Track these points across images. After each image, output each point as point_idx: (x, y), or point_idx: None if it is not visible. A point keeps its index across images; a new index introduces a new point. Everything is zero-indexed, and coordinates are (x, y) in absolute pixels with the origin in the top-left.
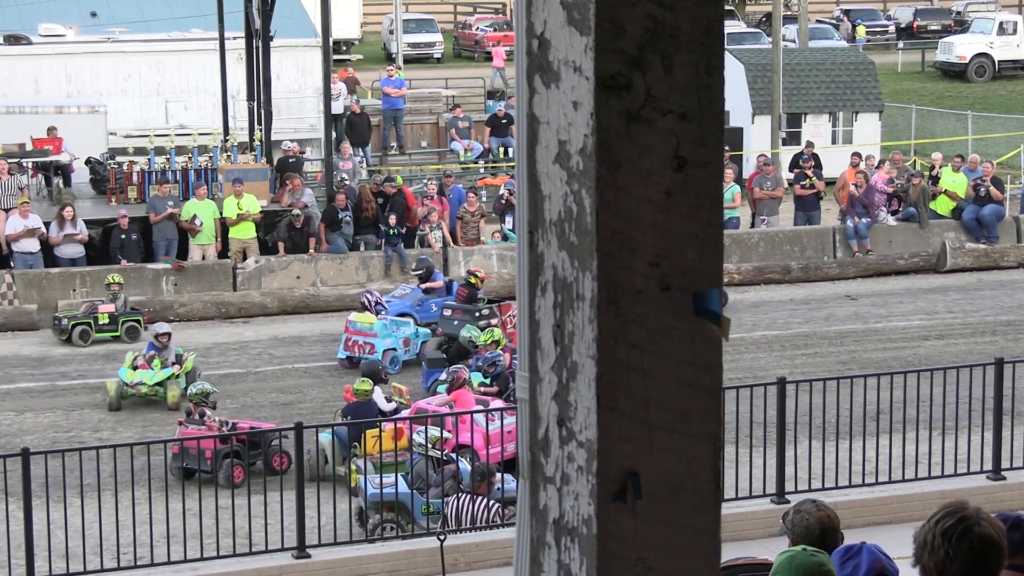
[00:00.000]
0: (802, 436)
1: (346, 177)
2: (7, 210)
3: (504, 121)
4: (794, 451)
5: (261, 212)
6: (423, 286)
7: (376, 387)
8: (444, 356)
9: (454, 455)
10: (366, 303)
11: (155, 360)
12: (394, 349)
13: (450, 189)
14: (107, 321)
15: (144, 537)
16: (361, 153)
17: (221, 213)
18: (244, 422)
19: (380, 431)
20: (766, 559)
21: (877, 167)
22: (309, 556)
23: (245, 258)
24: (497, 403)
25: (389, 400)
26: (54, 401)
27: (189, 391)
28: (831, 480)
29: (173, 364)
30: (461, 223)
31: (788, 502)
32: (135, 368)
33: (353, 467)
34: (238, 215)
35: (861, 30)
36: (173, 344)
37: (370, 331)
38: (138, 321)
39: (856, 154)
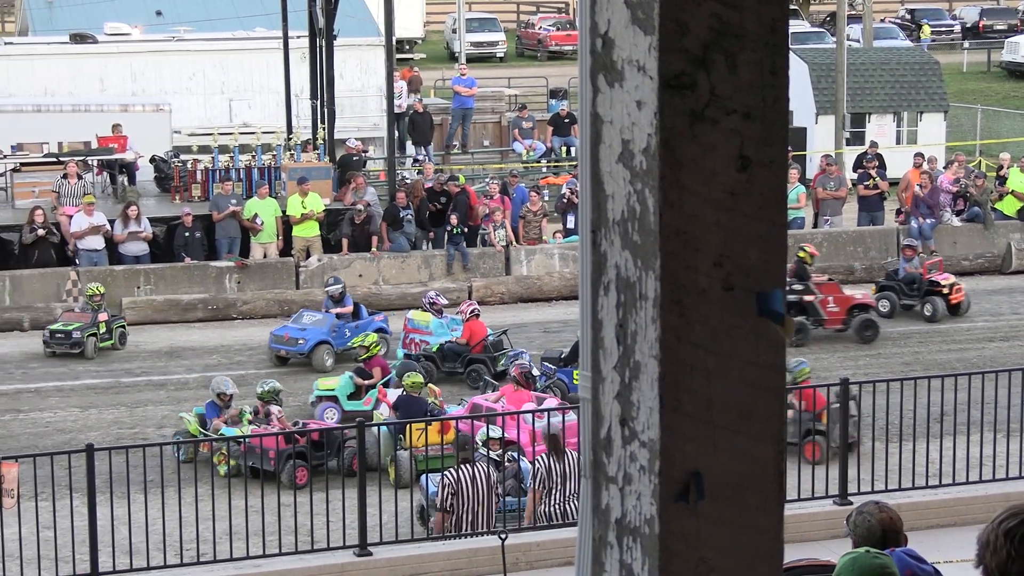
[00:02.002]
0: (865, 437)
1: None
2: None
3: (567, 120)
4: (857, 452)
5: (325, 211)
6: (335, 310)
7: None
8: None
9: (515, 454)
10: (429, 304)
11: (242, 416)
12: None
13: (514, 188)
14: (104, 330)
15: (207, 534)
16: (424, 152)
17: (284, 211)
18: (315, 422)
19: (426, 425)
20: (829, 560)
21: (945, 167)
22: (371, 554)
23: (308, 256)
24: (552, 401)
25: None
26: (118, 398)
27: (259, 389)
28: (894, 482)
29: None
30: (523, 222)
31: (851, 503)
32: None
33: (391, 459)
34: (302, 214)
35: (926, 30)
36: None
37: (426, 329)
38: (123, 327)
39: (919, 154)
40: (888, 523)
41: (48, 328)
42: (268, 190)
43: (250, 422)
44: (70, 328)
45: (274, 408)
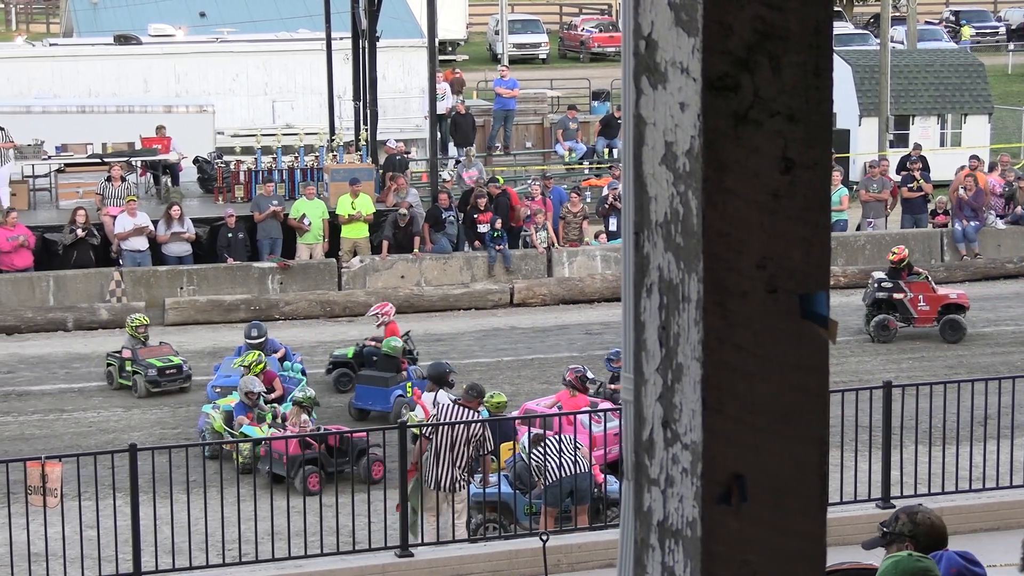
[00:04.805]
0: (908, 440)
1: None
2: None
3: (619, 121)
4: (900, 455)
5: (373, 213)
6: (273, 355)
7: (441, 390)
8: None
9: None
10: None
11: (265, 416)
12: None
13: (550, 190)
14: None
15: (249, 534)
16: (465, 154)
17: (334, 212)
18: (338, 428)
19: (515, 443)
20: (871, 564)
21: (989, 170)
22: (412, 555)
23: (355, 255)
24: (605, 405)
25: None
26: (161, 398)
27: (295, 395)
28: (937, 485)
29: (276, 417)
30: (564, 223)
31: (893, 507)
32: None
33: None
34: (349, 215)
35: (966, 31)
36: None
37: None
38: None
39: (975, 157)
40: (929, 527)
41: (153, 367)
42: (315, 191)
43: (270, 426)
44: (177, 362)
45: (303, 416)
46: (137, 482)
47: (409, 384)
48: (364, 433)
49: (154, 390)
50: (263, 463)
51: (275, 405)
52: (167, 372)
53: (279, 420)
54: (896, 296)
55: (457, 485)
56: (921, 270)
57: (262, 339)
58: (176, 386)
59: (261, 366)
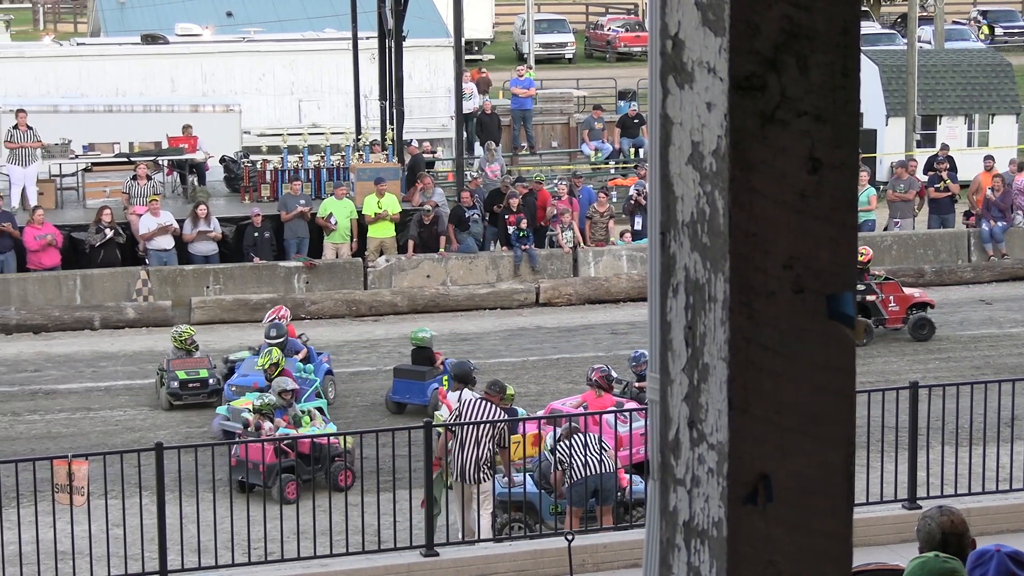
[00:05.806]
0: (935, 441)
1: (483, 175)
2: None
3: (636, 121)
4: (926, 456)
5: (400, 212)
6: (295, 357)
7: (466, 389)
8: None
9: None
10: None
11: (301, 419)
12: None
13: (579, 190)
14: None
15: (275, 532)
16: (487, 148)
17: (360, 212)
18: (296, 435)
19: (522, 438)
20: (898, 565)
21: (1020, 170)
22: (437, 554)
23: (382, 254)
24: (631, 405)
25: None
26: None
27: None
28: (964, 486)
29: (311, 421)
30: (590, 223)
31: (920, 507)
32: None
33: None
34: (375, 214)
35: (985, 30)
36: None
37: None
38: None
39: (989, 157)
40: (947, 527)
41: (176, 379)
42: (346, 190)
43: (239, 435)
44: (203, 376)
45: (267, 424)
46: (163, 481)
47: (445, 378)
48: (334, 439)
49: (175, 403)
50: (237, 472)
51: (312, 408)
52: (189, 385)
53: (251, 429)
54: (869, 298)
55: (481, 475)
56: (879, 271)
57: (281, 339)
58: (199, 400)
59: (284, 362)
